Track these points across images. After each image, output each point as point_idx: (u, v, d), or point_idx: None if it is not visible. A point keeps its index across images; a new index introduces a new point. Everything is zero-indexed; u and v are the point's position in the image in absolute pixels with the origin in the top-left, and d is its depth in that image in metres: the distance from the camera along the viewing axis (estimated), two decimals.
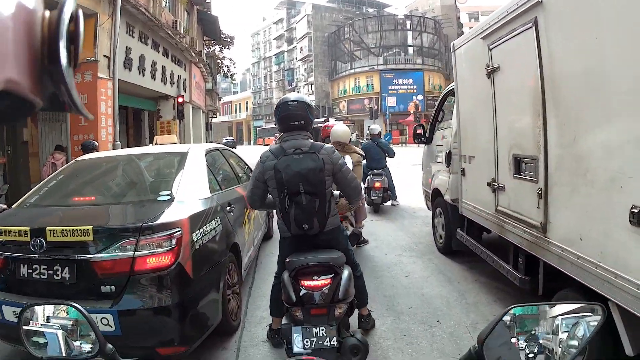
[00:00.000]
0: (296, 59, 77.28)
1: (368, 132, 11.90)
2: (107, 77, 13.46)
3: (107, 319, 3.39)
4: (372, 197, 10.67)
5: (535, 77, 3.84)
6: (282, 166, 3.60)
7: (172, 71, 20.91)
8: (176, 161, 4.97)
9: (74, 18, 0.57)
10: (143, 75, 17.36)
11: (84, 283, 3.55)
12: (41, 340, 1.49)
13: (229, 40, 40.64)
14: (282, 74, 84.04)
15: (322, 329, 3.38)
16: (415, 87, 59.79)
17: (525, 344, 1.25)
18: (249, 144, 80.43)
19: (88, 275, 3.53)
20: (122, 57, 14.86)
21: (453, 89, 6.61)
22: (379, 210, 10.98)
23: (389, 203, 11.58)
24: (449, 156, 6.87)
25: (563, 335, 1.25)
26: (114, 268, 3.53)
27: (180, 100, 20.97)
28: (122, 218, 4.13)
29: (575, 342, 1.24)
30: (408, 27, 64.42)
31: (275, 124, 4.23)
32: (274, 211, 4.26)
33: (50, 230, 3.60)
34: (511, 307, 1.27)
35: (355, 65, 63.78)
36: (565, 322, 1.27)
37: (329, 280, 3.44)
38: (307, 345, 3.36)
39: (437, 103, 7.97)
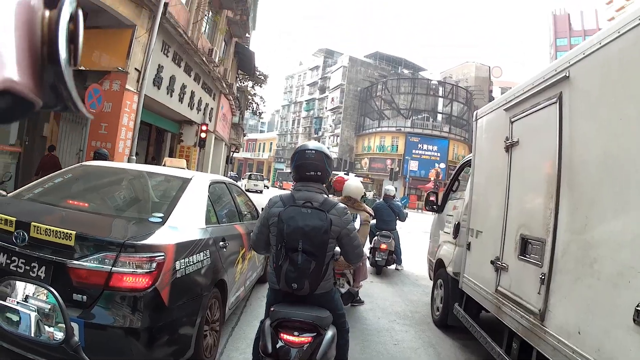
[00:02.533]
0: (326, 108, 77.71)
1: (383, 192, 11.72)
2: (135, 91, 13.49)
3: (72, 328, 3.13)
4: (376, 259, 10.41)
5: (553, 155, 3.68)
6: (287, 217, 3.40)
7: (200, 98, 20.93)
8: (177, 185, 4.85)
9: (73, 18, 0.57)
10: (171, 96, 17.35)
11: (57, 286, 3.12)
12: (14, 318, 1.49)
13: (262, 77, 41.15)
14: (310, 121, 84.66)
15: None
16: (439, 154, 59.73)
17: None
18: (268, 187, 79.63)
19: (63, 279, 3.44)
20: (152, 74, 15.09)
21: (470, 159, 6.54)
22: (381, 273, 10.67)
23: (393, 267, 11.41)
24: (457, 228, 6.71)
25: None
26: (88, 278, 3.45)
27: (204, 128, 20.90)
28: (108, 230, 3.97)
29: None
30: (440, 93, 64.73)
31: (289, 173, 4.19)
32: None
33: (34, 226, 3.57)
34: None
35: (383, 124, 64.09)
36: None
37: (309, 339, 3.27)
38: None
39: (454, 171, 7.89)
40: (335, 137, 71.18)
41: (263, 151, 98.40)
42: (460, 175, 7.62)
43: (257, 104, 45.66)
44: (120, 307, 3.45)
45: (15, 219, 3.65)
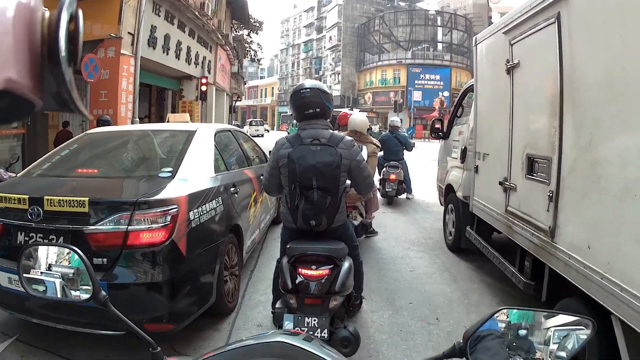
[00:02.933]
0: (324, 48, 76.33)
1: (389, 124, 11.87)
2: (130, 54, 13.52)
3: (97, 282, 3.25)
4: (387, 189, 10.55)
5: (555, 75, 3.68)
6: (297, 156, 3.48)
7: (197, 52, 20.85)
8: (183, 139, 4.87)
9: (73, 18, 0.57)
10: (167, 54, 17.27)
11: None
12: (40, 288, 1.50)
13: (257, 25, 40.50)
14: (309, 62, 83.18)
15: (315, 319, 3.33)
16: (442, 83, 58.97)
17: (511, 347, 1.24)
18: (272, 129, 79.28)
19: (81, 246, 3.22)
20: (146, 35, 15.08)
21: (472, 85, 6.46)
22: (392, 203, 10.90)
23: (403, 196, 11.54)
24: (464, 152, 6.74)
25: (552, 346, 1.24)
26: (106, 241, 3.53)
27: (203, 81, 20.87)
28: (120, 192, 4.12)
29: (563, 354, 1.23)
30: (439, 23, 63.35)
31: (291, 114, 4.07)
32: None
33: (47, 200, 3.63)
34: (502, 308, 1.26)
35: (383, 58, 62.96)
36: (557, 332, 1.26)
37: (327, 271, 3.37)
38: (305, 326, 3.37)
39: (457, 97, 7.85)
40: (337, 75, 70.17)
41: (265, 97, 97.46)
42: (463, 101, 7.54)
43: (255, 51, 45.10)
44: (141, 263, 3.54)
45: (27, 196, 3.72)
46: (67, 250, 1.50)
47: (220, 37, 24.13)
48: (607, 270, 2.92)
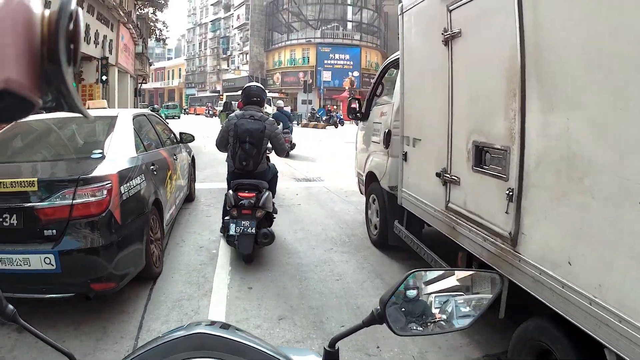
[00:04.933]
0: (232, 26, 74.95)
1: (276, 105, 15.92)
2: None
3: (49, 259, 3.97)
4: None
5: (512, 44, 2.96)
6: (240, 124, 5.90)
7: (97, 30, 19.26)
8: (107, 124, 5.57)
9: (73, 17, 0.56)
10: None
11: (29, 228, 4.09)
12: None
13: (162, 2, 38.32)
14: (217, 42, 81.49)
15: (247, 222, 5.58)
16: (351, 62, 59.13)
17: (424, 304, 1.31)
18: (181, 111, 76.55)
19: (33, 221, 4.07)
20: None
21: (396, 59, 5.85)
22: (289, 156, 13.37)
23: (318, 184, 11.56)
24: (388, 136, 5.98)
25: (460, 299, 1.33)
26: (55, 214, 4.07)
27: (104, 62, 19.44)
28: (61, 172, 4.66)
29: (471, 311, 1.32)
30: (348, 1, 63.04)
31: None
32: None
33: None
34: (412, 271, 1.31)
35: (292, 37, 62.43)
36: (466, 289, 1.36)
37: (254, 194, 5.73)
38: (237, 231, 5.57)
39: (376, 75, 7.10)
40: (245, 55, 69.18)
41: (173, 78, 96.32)
42: (384, 78, 6.91)
43: (160, 30, 42.86)
44: (85, 232, 4.11)
45: None
46: None
47: (122, 14, 22.36)
48: (598, 294, 2.28)
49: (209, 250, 6.30)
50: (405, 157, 5.27)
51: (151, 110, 24.90)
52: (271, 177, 6.44)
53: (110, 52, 22.02)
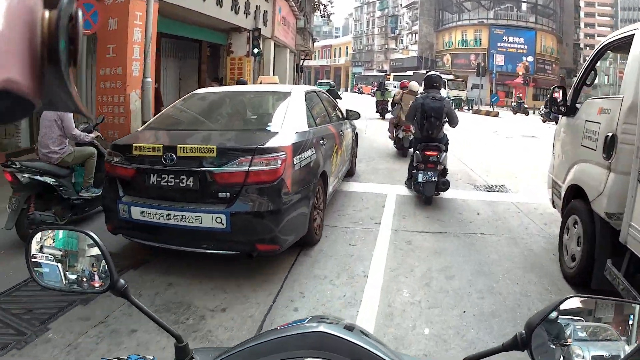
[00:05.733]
0: (401, 5, 73.37)
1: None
2: None
3: (220, 218, 4.41)
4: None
5: None
6: (426, 103, 7.83)
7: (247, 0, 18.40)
8: (282, 99, 6.11)
9: (73, 17, 0.56)
10: (204, 0, 14.34)
11: (204, 190, 4.56)
12: (46, 270, 1.39)
13: None
14: (385, 20, 79.94)
15: (431, 173, 7.62)
16: (526, 47, 55.99)
17: (579, 339, 1.16)
18: (345, 90, 76.49)
19: (209, 183, 4.54)
20: None
21: (621, 39, 4.79)
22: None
23: (499, 195, 9.69)
24: (611, 143, 4.38)
25: (619, 331, 1.17)
26: (231, 179, 4.51)
27: (256, 34, 18.91)
28: (240, 141, 5.01)
29: (631, 339, 1.14)
30: None
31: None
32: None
33: (180, 147, 4.60)
34: (569, 296, 1.17)
35: (464, 17, 60.30)
36: (622, 318, 1.18)
37: (436, 152, 7.71)
38: (424, 179, 7.62)
39: (589, 58, 5.71)
40: (414, 35, 67.51)
41: (339, 56, 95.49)
42: (598, 63, 5.60)
43: (325, 6, 43.10)
44: (257, 196, 4.51)
45: (162, 145, 4.72)
46: (82, 235, 1.39)
47: None
48: None
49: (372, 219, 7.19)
50: None
51: (330, 88, 24.86)
52: (445, 142, 8.16)
53: (265, 24, 20.62)
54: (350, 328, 1.17)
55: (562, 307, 1.15)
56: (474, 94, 45.12)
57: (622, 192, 4.10)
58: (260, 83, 8.92)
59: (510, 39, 56.23)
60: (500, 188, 9.88)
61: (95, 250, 1.35)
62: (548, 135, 11.61)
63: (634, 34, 4.37)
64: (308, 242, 5.58)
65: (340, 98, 24.61)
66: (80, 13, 0.58)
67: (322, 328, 1.12)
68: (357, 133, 10.01)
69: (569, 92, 5.83)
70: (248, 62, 19.66)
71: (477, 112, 38.41)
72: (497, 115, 35.34)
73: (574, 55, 65.36)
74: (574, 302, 1.19)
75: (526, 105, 37.36)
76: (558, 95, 5.75)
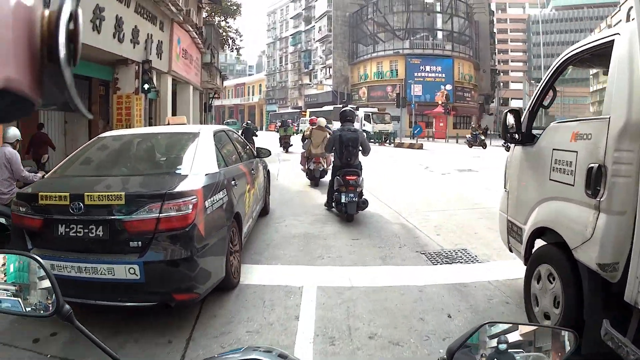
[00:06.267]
0: (314, 39, 72.84)
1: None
2: None
3: (133, 269, 4.22)
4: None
5: None
6: (343, 134, 9.01)
7: (135, 26, 14.82)
8: (190, 140, 5.85)
9: (73, 17, 0.57)
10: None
11: (115, 239, 4.35)
12: (4, 304, 1.45)
13: (234, 7, 35.15)
14: (298, 56, 79.68)
15: (352, 194, 8.68)
16: (443, 75, 55.39)
17: (492, 358, 1.27)
18: (260, 128, 74.07)
19: (120, 232, 4.32)
20: None
21: (591, 48, 4.14)
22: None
23: (467, 269, 6.62)
24: (597, 175, 3.63)
25: (535, 356, 1.31)
26: (141, 227, 4.31)
27: (146, 67, 15.55)
28: (148, 186, 4.88)
29: None
30: (438, 9, 59.78)
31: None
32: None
33: (88, 195, 4.39)
34: (485, 322, 1.28)
35: (379, 49, 59.38)
36: (539, 343, 1.32)
37: (356, 177, 8.81)
38: (346, 200, 8.64)
39: (546, 76, 4.98)
40: (328, 69, 66.90)
41: (253, 94, 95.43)
42: (557, 81, 4.89)
43: (233, 39, 39.82)
44: (170, 244, 4.33)
45: (68, 193, 4.47)
46: (26, 259, 1.44)
47: (174, 10, 17.84)
48: None
49: None
50: None
51: (247, 126, 24.68)
52: (360, 168, 9.32)
53: (159, 57, 17.94)
54: (284, 356, 1.26)
55: (480, 332, 1.26)
56: (393, 126, 42.55)
57: (619, 237, 3.49)
58: (168, 124, 8.93)
59: (428, 67, 55.81)
60: (462, 255, 6.94)
61: (42, 274, 1.36)
62: (487, 167, 12.22)
63: (613, 40, 3.84)
64: (227, 286, 5.34)
65: (257, 136, 23.74)
66: (80, 12, 0.58)
67: (257, 355, 1.20)
68: (269, 170, 10.08)
69: (523, 116, 5.10)
70: (138, 99, 15.74)
71: (400, 145, 35.52)
72: (421, 147, 32.43)
73: (492, 81, 66.88)
74: (492, 328, 1.30)
75: (483, 137, 34.53)
76: (512, 120, 5.05)
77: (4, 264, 1.44)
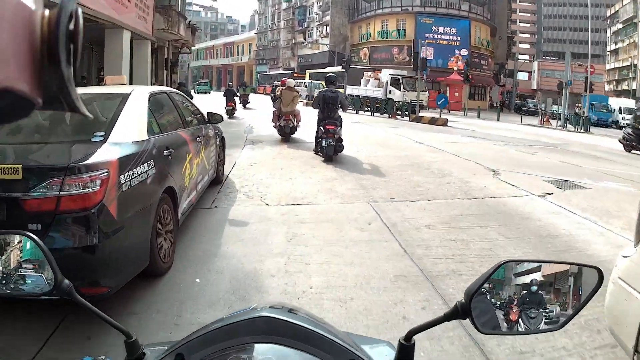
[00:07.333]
0: None
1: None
2: None
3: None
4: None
5: None
6: (326, 94, 11.73)
7: None
8: (117, 102, 5.01)
9: (73, 17, 0.57)
10: None
11: (13, 221, 3.69)
12: None
13: None
14: (292, 12, 74.76)
15: (330, 140, 11.12)
16: (458, 38, 50.14)
17: (516, 299, 1.22)
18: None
19: (18, 213, 3.66)
20: None
21: None
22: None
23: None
24: None
25: (558, 295, 1.25)
26: (41, 206, 3.67)
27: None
28: (51, 157, 4.18)
29: (569, 303, 1.24)
30: None
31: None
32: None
33: None
34: (503, 261, 1.23)
35: (384, 5, 54.18)
36: (561, 282, 1.27)
37: (334, 127, 11.16)
38: (326, 144, 11.10)
39: None
40: (324, 27, 62.01)
41: (243, 54, 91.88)
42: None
43: None
44: (73, 228, 3.68)
45: None
46: (18, 237, 1.37)
47: None
48: None
49: None
50: None
51: (179, 85, 24.33)
52: (340, 121, 11.58)
53: None
54: (294, 311, 1.26)
55: (500, 272, 1.20)
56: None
57: None
58: (105, 84, 7.07)
59: (441, 29, 50.65)
60: None
61: (37, 252, 1.30)
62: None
63: None
64: (153, 273, 4.61)
65: (192, 97, 19.28)
66: (80, 12, 0.58)
67: (267, 313, 1.18)
68: (223, 137, 9.00)
69: None
70: None
71: (417, 119, 28.05)
72: (445, 123, 25.25)
73: (508, 50, 62.41)
74: (512, 267, 1.23)
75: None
76: None
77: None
